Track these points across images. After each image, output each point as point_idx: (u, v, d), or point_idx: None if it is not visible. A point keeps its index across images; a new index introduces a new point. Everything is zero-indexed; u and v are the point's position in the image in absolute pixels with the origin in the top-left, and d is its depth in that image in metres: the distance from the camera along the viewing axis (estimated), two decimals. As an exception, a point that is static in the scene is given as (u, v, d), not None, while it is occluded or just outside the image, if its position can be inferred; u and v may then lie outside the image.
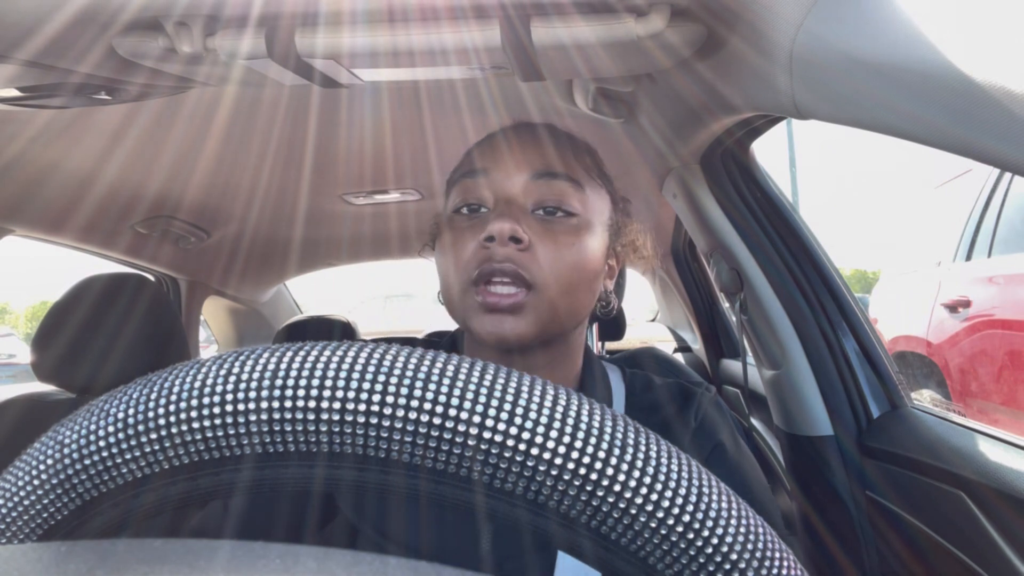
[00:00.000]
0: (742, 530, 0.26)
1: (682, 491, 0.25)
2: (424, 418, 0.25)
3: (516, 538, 0.58)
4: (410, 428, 0.25)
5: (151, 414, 0.26)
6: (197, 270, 2.08)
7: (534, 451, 0.25)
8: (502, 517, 0.27)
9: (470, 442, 0.25)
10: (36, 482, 0.27)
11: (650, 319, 3.09)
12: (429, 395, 0.25)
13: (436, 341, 0.75)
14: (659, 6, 0.61)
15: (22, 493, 0.27)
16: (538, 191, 0.61)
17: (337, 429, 0.25)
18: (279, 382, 0.26)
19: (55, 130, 1.08)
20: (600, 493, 0.25)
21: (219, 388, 0.26)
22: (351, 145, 1.24)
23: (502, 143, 0.64)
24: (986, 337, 2.43)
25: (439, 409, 0.25)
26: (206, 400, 0.26)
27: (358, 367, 0.26)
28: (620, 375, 0.73)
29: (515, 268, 0.58)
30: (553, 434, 0.25)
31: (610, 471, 0.25)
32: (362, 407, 0.25)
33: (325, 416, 0.25)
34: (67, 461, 0.27)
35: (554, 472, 0.25)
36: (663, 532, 0.25)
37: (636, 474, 0.25)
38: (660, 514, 0.25)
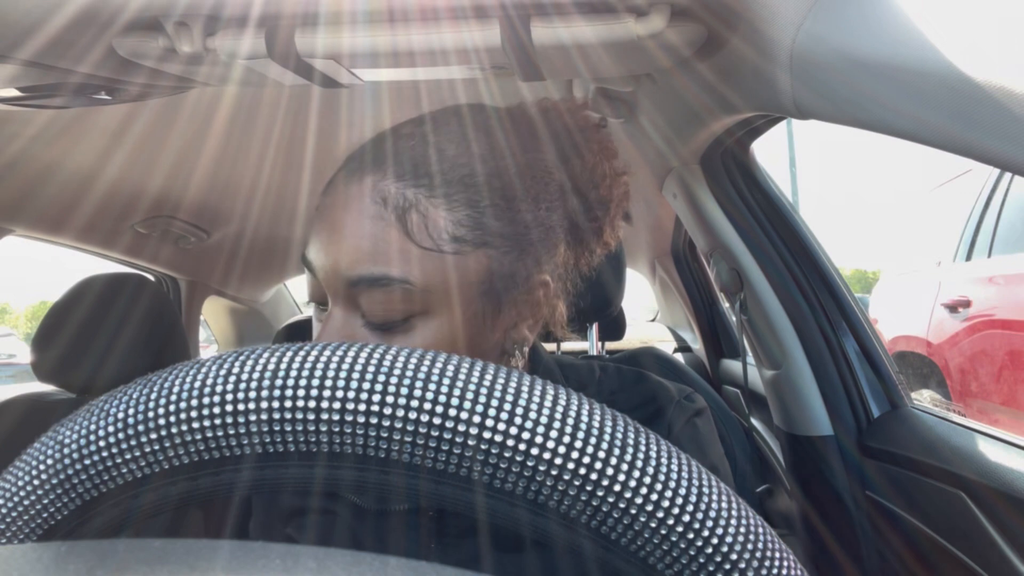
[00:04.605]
0: (742, 530, 0.26)
1: (682, 491, 0.25)
2: (424, 418, 0.25)
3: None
4: (410, 428, 0.25)
5: (151, 414, 0.26)
6: (197, 270, 2.08)
7: (534, 451, 0.25)
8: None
9: (470, 442, 0.25)
10: (36, 482, 0.27)
11: (650, 319, 3.09)
12: (429, 395, 0.25)
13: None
14: (659, 6, 0.61)
15: (22, 493, 0.27)
16: (360, 296, 0.47)
17: (337, 429, 0.25)
18: (279, 382, 0.26)
19: (55, 130, 1.08)
20: (600, 493, 0.25)
21: (219, 388, 0.26)
22: (351, 145, 1.24)
23: (328, 217, 0.50)
24: (986, 337, 2.43)
25: (439, 409, 0.25)
26: (206, 400, 0.26)
27: (358, 367, 0.26)
28: (582, 381, 0.62)
29: None
30: (553, 434, 0.25)
31: (610, 471, 0.25)
32: (362, 407, 0.25)
33: (325, 416, 0.25)
34: (67, 461, 0.27)
35: (554, 472, 0.25)
36: (663, 532, 0.25)
37: (636, 474, 0.25)
38: (660, 514, 0.25)
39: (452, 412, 0.25)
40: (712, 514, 0.25)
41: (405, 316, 0.47)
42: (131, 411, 0.27)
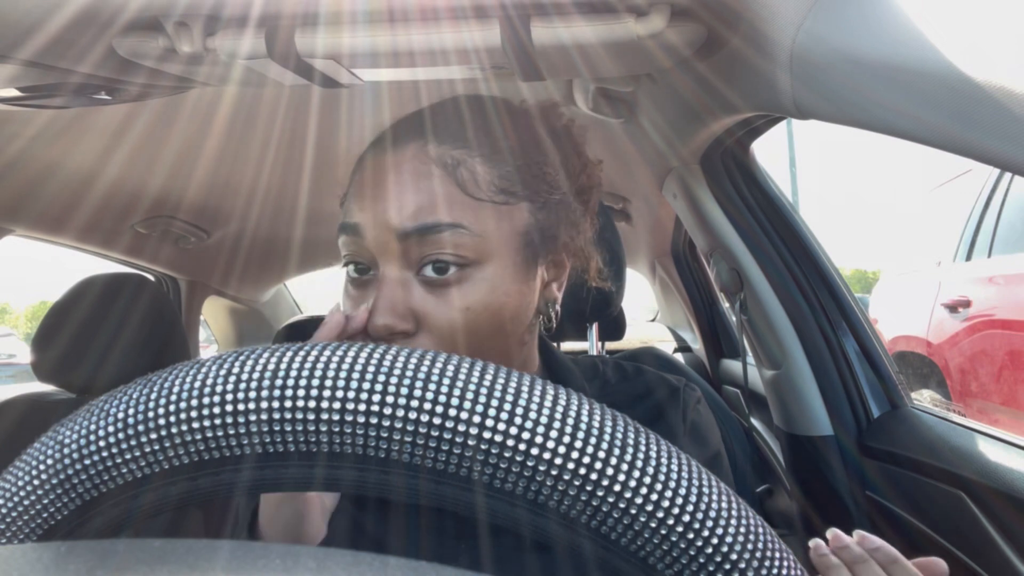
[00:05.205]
0: (742, 530, 0.26)
1: (682, 491, 0.25)
2: (424, 418, 0.25)
3: None
4: (410, 428, 0.25)
5: (151, 414, 0.26)
6: (197, 270, 2.08)
7: (534, 451, 0.25)
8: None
9: (470, 442, 0.25)
10: (36, 482, 0.27)
11: (650, 319, 3.09)
12: (429, 395, 0.25)
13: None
14: (659, 6, 0.61)
15: (22, 493, 0.27)
16: (419, 248, 0.50)
17: (337, 429, 0.25)
18: (279, 382, 0.26)
19: (55, 130, 1.08)
20: (600, 493, 0.25)
21: (219, 388, 0.26)
22: (351, 145, 1.24)
23: (374, 180, 0.53)
24: (986, 337, 2.43)
25: (439, 409, 0.25)
26: (206, 400, 0.26)
27: (358, 367, 0.26)
28: (587, 374, 0.66)
29: None
30: (553, 434, 0.25)
31: (610, 471, 0.25)
32: (362, 407, 0.25)
33: (325, 416, 0.25)
34: (67, 461, 0.27)
35: (554, 472, 0.25)
36: (663, 532, 0.25)
37: (636, 474, 0.25)
38: (660, 514, 0.25)
39: (452, 412, 0.25)
40: (712, 514, 0.25)
41: (460, 264, 0.51)
42: (131, 411, 0.27)
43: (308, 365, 0.26)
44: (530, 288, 0.55)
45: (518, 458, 0.25)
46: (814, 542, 0.45)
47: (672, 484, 0.25)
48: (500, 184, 0.53)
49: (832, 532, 0.45)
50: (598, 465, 0.25)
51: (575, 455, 0.25)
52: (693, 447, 0.61)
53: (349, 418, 0.25)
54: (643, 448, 0.26)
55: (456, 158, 0.52)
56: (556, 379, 0.62)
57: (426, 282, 0.51)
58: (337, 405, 0.25)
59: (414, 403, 0.25)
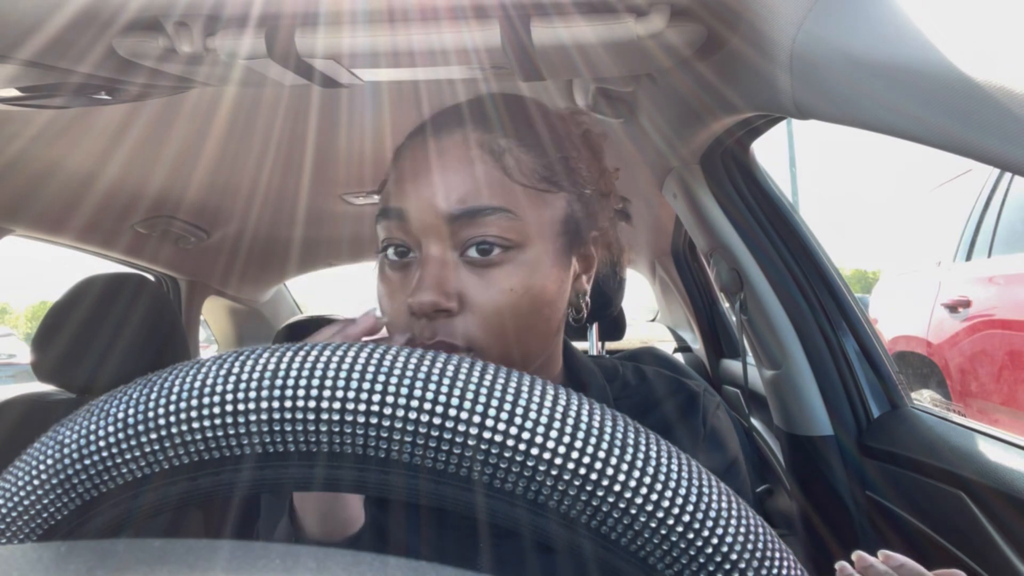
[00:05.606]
0: (742, 530, 0.26)
1: (682, 491, 0.25)
2: (424, 418, 0.25)
3: None
4: (410, 428, 0.25)
5: (151, 414, 0.26)
6: (197, 270, 2.08)
7: (534, 451, 0.25)
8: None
9: (470, 442, 0.25)
10: (36, 482, 0.27)
11: (650, 319, 3.09)
12: (429, 395, 0.25)
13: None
14: (659, 6, 0.61)
15: (22, 493, 0.27)
16: (465, 230, 0.52)
17: (337, 429, 0.25)
18: (279, 382, 0.26)
19: (55, 130, 1.08)
20: (600, 493, 0.25)
21: (219, 388, 0.26)
22: (351, 145, 1.24)
23: (420, 165, 0.55)
24: (986, 337, 2.43)
25: (439, 409, 0.25)
26: (206, 400, 0.26)
27: (358, 367, 0.26)
28: (606, 375, 0.67)
29: (446, 341, 0.52)
30: (553, 434, 0.25)
31: (610, 471, 0.25)
32: (362, 407, 0.25)
33: (325, 416, 0.25)
34: (67, 461, 0.27)
35: (554, 472, 0.25)
36: (663, 532, 0.25)
37: (636, 474, 0.25)
38: (660, 514, 0.25)
39: (452, 412, 0.25)
40: (712, 514, 0.25)
41: (504, 247, 0.53)
42: (131, 411, 0.27)
43: (308, 365, 0.26)
44: (567, 276, 0.58)
45: (518, 458, 0.25)
46: (840, 564, 0.46)
47: (672, 484, 0.25)
48: (542, 172, 0.55)
49: (857, 554, 0.46)
50: (598, 465, 0.25)
51: (575, 455, 0.25)
52: (712, 453, 0.61)
53: (349, 418, 0.25)
54: (643, 448, 0.26)
55: (502, 145, 0.55)
56: (577, 378, 0.64)
57: (469, 263, 0.53)
58: (337, 405, 0.25)
59: (414, 403, 0.25)
